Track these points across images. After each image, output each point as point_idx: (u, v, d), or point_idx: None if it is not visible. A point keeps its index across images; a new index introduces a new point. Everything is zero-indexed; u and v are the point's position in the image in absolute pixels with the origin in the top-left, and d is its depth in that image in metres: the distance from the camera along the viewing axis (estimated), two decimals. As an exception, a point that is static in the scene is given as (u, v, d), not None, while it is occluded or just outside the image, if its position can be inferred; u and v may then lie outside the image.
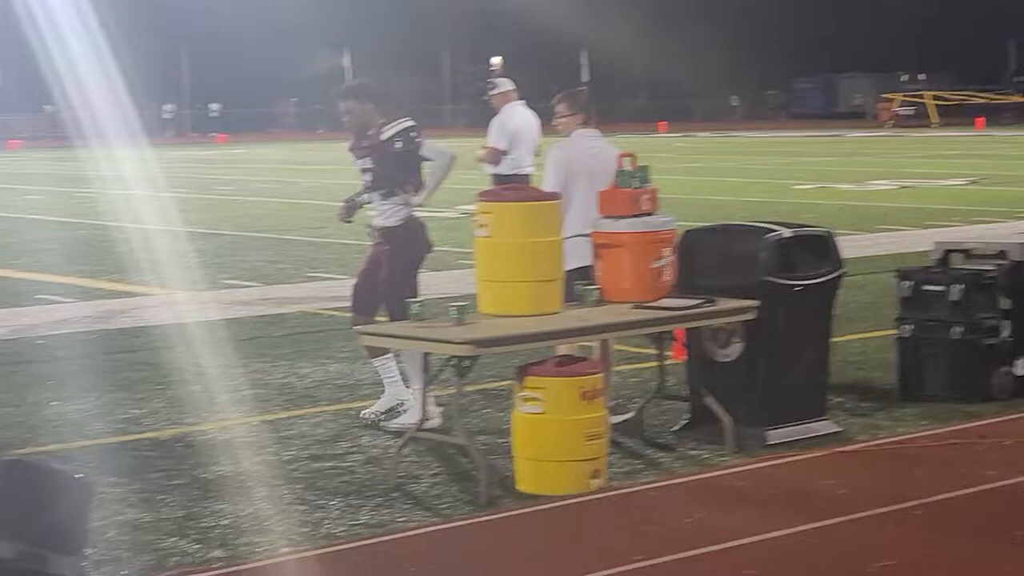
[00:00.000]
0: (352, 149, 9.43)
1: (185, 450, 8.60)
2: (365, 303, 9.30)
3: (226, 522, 7.13)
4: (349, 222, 9.63)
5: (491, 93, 14.15)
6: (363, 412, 9.18)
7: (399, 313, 8.87)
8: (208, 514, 7.26)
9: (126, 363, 11.37)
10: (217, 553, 6.67)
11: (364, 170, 9.29)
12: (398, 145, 9.04)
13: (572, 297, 8.30)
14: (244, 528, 7.03)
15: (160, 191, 28.83)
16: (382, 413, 9.11)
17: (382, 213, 9.27)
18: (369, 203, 9.39)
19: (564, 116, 9.24)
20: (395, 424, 8.97)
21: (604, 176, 8.69)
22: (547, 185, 8.77)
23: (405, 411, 9.10)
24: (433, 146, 9.37)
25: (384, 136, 9.04)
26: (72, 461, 7.97)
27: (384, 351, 9.15)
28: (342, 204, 9.56)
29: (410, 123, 9.16)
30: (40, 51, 28.68)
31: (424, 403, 8.12)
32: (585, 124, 9.20)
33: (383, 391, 9.32)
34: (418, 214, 9.43)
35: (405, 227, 9.23)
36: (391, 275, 9.17)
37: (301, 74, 75.61)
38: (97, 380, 10.64)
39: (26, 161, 45.40)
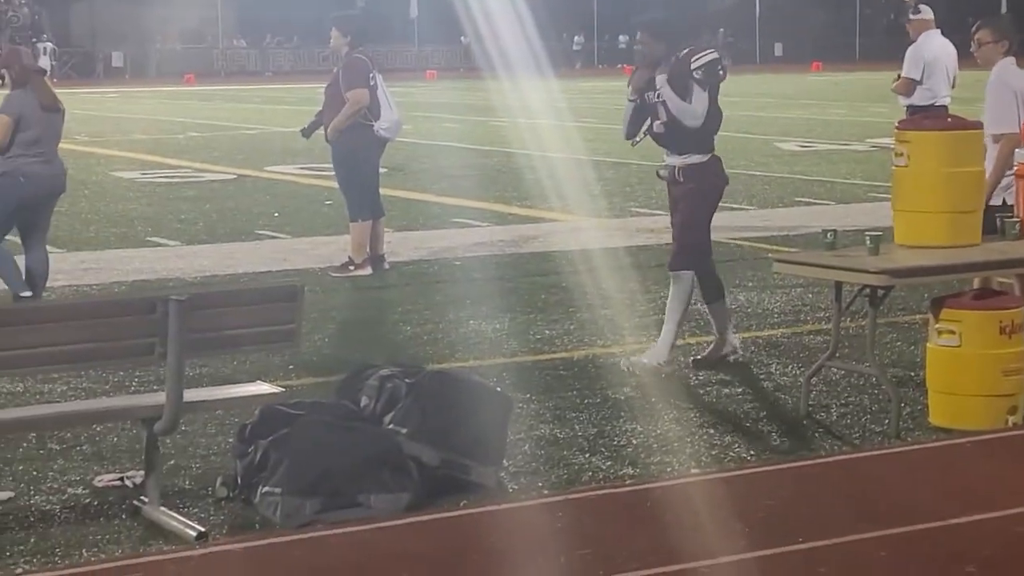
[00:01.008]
0: (636, 85, 8.93)
1: (596, 371, 8.80)
2: None
3: (636, 441, 7.29)
4: (635, 143, 9.17)
5: (912, 17, 13.82)
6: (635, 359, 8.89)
7: (687, 252, 8.79)
8: (619, 433, 7.44)
9: (538, 286, 11.68)
10: (628, 470, 6.83)
11: (658, 103, 8.84)
12: (698, 75, 8.70)
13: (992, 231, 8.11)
14: (654, 447, 7.18)
15: (568, 121, 29.33)
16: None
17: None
18: (644, 138, 9.03)
19: (987, 43, 8.96)
20: (643, 360, 8.84)
21: None
22: (1005, 123, 8.54)
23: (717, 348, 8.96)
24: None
25: (692, 66, 8.74)
26: (490, 377, 8.27)
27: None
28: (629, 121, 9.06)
29: (715, 55, 8.80)
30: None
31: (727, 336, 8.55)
32: (1008, 52, 8.91)
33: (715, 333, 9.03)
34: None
35: (708, 164, 8.85)
36: (689, 214, 8.84)
37: (711, 6, 75.32)
38: (511, 301, 10.98)
39: (441, 91, 46.80)
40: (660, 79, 8.82)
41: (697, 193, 8.86)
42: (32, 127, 9.81)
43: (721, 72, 8.79)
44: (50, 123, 9.90)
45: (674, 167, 8.90)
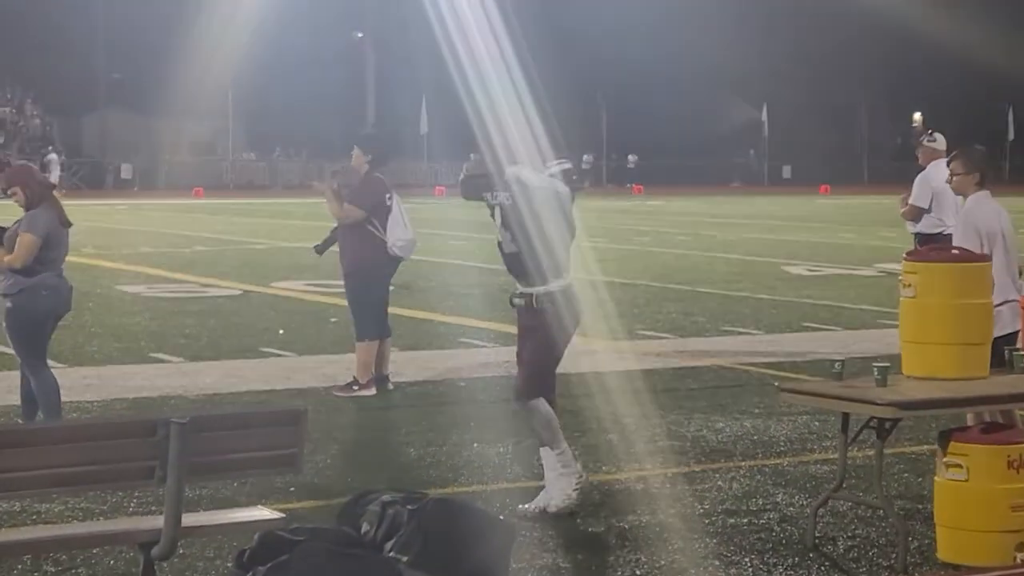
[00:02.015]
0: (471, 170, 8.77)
1: (600, 498, 8.71)
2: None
3: (640, 572, 7.20)
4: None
5: (926, 143, 13.88)
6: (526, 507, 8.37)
7: (538, 378, 8.40)
8: (624, 563, 7.34)
9: (544, 409, 11.58)
10: (631, 602, 6.74)
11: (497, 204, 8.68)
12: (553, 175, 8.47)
13: (1000, 364, 8.07)
14: (658, 579, 7.09)
15: (578, 240, 29.33)
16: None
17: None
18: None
19: (958, 174, 8.95)
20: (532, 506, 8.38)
21: (1012, 238, 8.62)
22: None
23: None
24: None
25: (549, 171, 8.49)
26: (493, 503, 8.18)
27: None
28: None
29: (568, 165, 8.58)
30: (468, 102, 29.70)
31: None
32: (980, 185, 8.88)
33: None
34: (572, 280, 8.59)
35: (566, 290, 8.50)
36: (543, 343, 8.42)
37: (719, 126, 75.97)
38: (516, 424, 10.85)
39: (450, 207, 46.93)
40: (511, 168, 8.46)
41: (554, 320, 8.40)
42: (59, 245, 9.86)
43: (576, 180, 8.51)
44: (65, 239, 9.95)
45: (531, 295, 8.51)
